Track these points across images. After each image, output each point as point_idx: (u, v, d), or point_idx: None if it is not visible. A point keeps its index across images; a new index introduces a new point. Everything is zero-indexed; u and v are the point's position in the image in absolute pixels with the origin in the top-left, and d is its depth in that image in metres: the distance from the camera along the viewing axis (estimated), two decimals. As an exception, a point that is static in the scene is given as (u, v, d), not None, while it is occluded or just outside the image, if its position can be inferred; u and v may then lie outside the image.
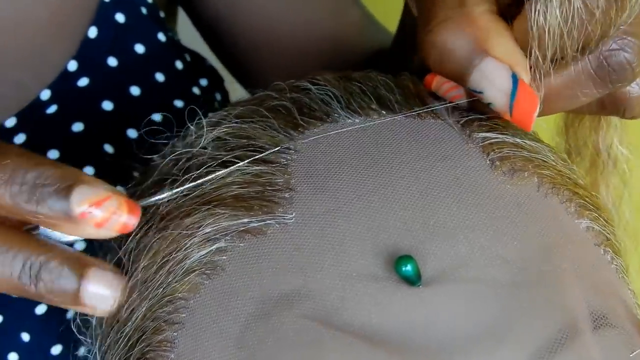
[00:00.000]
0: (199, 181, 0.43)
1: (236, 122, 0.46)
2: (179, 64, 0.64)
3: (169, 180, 0.44)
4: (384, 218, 0.42)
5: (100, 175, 0.44)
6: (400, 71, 0.50)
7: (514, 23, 0.44)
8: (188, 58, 0.66)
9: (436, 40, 0.44)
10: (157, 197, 0.43)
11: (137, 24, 0.62)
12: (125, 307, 0.43)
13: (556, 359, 0.39)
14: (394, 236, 0.41)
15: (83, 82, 0.59)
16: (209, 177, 0.43)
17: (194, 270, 0.42)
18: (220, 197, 0.43)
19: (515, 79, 0.42)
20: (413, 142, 0.45)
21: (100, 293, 0.42)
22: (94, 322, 0.46)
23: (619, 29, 0.43)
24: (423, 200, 0.42)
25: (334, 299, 0.40)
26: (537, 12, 0.42)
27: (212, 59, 0.71)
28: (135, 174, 0.52)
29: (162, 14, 0.65)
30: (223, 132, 0.46)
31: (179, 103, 0.62)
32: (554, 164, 0.46)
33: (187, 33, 0.73)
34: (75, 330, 0.47)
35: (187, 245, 0.43)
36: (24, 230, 0.42)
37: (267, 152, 0.44)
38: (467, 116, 0.46)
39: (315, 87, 0.48)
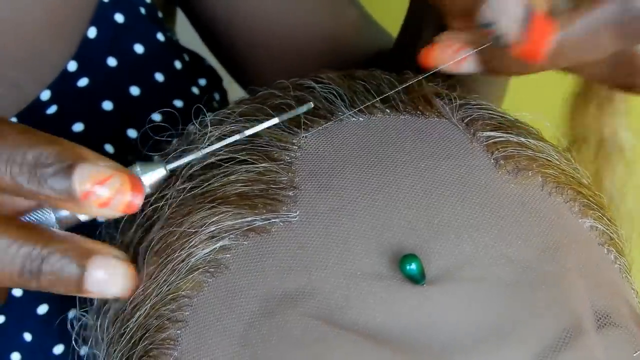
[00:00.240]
0: (223, 142, 0.43)
1: (240, 120, 0.46)
2: (177, 64, 0.64)
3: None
4: (388, 217, 0.42)
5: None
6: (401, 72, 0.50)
7: None
8: (187, 58, 0.66)
9: None
10: (185, 160, 0.42)
11: (136, 24, 0.62)
12: (128, 303, 0.43)
13: (560, 358, 0.39)
14: (398, 235, 0.41)
15: (83, 82, 0.59)
16: (234, 137, 0.43)
17: (198, 268, 0.42)
18: (224, 195, 0.43)
19: (528, 9, 0.41)
20: (417, 141, 0.45)
21: (104, 280, 0.40)
22: (95, 321, 0.46)
23: None
24: (427, 199, 0.42)
25: (338, 298, 0.40)
26: None
27: (210, 58, 0.71)
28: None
29: (160, 14, 0.65)
30: (227, 130, 0.46)
31: (178, 103, 0.62)
32: (558, 163, 0.46)
33: (186, 33, 0.73)
34: (76, 330, 0.47)
35: (191, 243, 0.43)
36: (22, 221, 0.41)
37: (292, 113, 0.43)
38: (472, 115, 0.46)
39: (319, 85, 0.48)
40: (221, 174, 0.44)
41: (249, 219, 0.42)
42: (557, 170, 0.46)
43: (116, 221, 0.47)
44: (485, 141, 0.45)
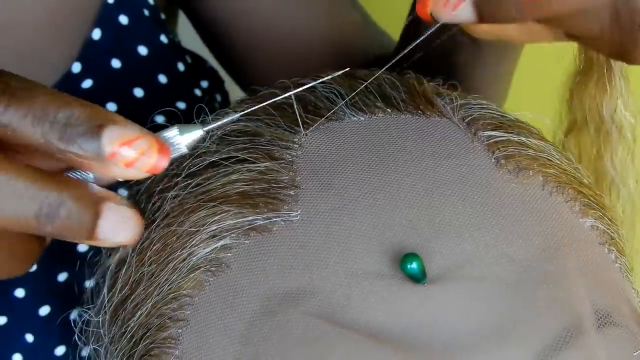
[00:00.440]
0: (254, 107, 0.44)
1: (241, 120, 0.46)
2: (180, 66, 0.64)
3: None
4: (389, 216, 0.42)
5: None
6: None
7: None
8: (189, 60, 0.66)
9: None
10: (221, 122, 0.43)
11: (140, 26, 0.62)
12: (130, 301, 0.43)
13: (561, 357, 0.39)
14: (399, 234, 0.41)
15: (87, 83, 0.59)
16: (266, 103, 0.44)
17: (199, 268, 0.42)
18: (225, 194, 0.43)
19: None
20: (418, 140, 0.45)
21: (115, 226, 0.40)
22: (96, 319, 0.46)
23: None
24: (428, 198, 0.42)
25: (339, 297, 0.40)
26: None
27: (212, 60, 0.71)
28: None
29: (163, 16, 0.65)
30: (229, 130, 0.46)
31: (181, 104, 0.63)
32: (559, 162, 0.46)
33: (188, 35, 0.73)
34: (78, 331, 0.47)
35: (192, 243, 0.43)
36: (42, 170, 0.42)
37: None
38: (473, 115, 0.46)
39: (321, 84, 0.48)
40: (222, 173, 0.44)
41: (250, 218, 0.42)
42: (558, 169, 0.46)
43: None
44: (486, 141, 0.45)
